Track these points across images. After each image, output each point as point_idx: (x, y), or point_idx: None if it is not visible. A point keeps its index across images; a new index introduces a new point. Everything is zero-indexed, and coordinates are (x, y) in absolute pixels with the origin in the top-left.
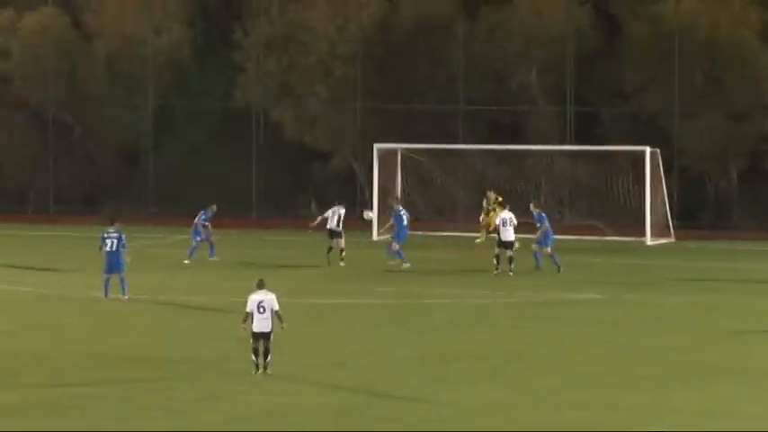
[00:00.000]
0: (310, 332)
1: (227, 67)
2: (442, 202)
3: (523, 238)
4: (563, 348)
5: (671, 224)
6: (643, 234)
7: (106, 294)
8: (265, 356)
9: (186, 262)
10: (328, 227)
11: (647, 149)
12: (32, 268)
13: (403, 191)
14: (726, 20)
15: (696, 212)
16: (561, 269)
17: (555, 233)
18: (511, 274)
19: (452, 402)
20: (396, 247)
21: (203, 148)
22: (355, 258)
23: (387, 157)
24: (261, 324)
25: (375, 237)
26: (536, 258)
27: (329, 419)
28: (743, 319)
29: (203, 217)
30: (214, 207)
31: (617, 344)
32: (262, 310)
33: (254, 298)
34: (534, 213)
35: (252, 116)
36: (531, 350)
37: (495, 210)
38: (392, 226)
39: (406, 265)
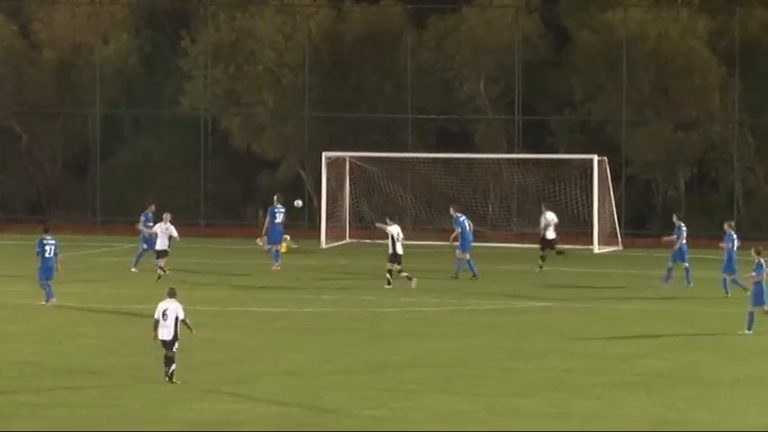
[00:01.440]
0: (260, 340)
1: (175, 74)
2: (390, 210)
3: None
4: (514, 356)
5: (619, 232)
6: (591, 242)
7: (49, 299)
8: (169, 365)
9: (133, 270)
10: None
11: (595, 158)
12: None
13: (351, 199)
14: (674, 29)
15: (644, 220)
16: (477, 276)
17: (504, 241)
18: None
19: (404, 411)
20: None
21: (151, 156)
22: (305, 266)
23: (335, 166)
24: (162, 332)
25: (324, 245)
26: (457, 265)
27: (276, 428)
28: (692, 327)
29: (143, 219)
30: (153, 207)
31: (568, 351)
32: (164, 317)
33: (161, 306)
34: (453, 217)
35: (200, 124)
36: (482, 358)
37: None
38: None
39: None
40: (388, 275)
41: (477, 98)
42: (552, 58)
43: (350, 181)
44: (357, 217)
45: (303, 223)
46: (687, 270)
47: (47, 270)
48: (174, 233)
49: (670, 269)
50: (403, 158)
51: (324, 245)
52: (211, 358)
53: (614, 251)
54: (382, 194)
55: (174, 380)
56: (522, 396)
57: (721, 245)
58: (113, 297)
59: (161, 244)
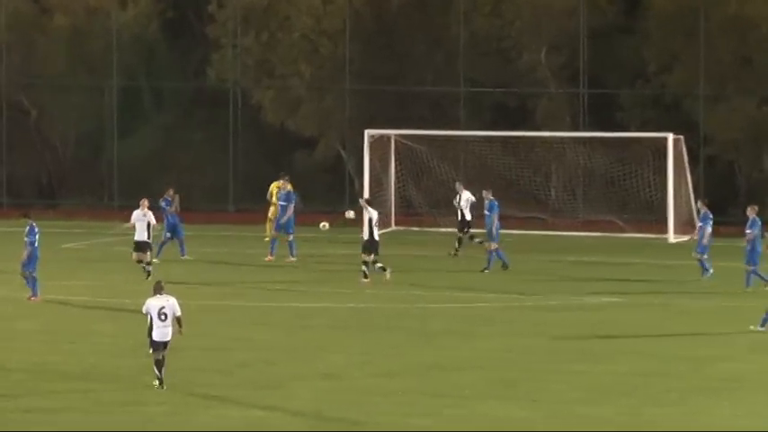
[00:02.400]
0: (295, 340)
1: (201, 42)
2: (440, 194)
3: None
4: (579, 358)
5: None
6: (665, 231)
7: (36, 294)
8: (160, 367)
9: (155, 260)
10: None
11: (670, 136)
12: None
13: (397, 183)
14: None
15: (725, 206)
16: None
17: (568, 229)
18: None
19: (455, 419)
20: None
21: (174, 134)
22: (346, 257)
23: (379, 145)
24: (163, 333)
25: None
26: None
27: None
28: None
29: (163, 204)
30: (171, 191)
31: (639, 353)
32: (164, 317)
33: (155, 303)
34: (486, 201)
35: (228, 98)
36: (543, 360)
37: None
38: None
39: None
40: (364, 268)
41: (538, 69)
42: (622, 24)
43: (395, 162)
44: (403, 202)
45: (343, 209)
46: (752, 272)
47: (36, 260)
48: (153, 220)
49: (751, 272)
50: (455, 137)
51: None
52: (241, 360)
53: (691, 240)
54: (431, 177)
55: (158, 384)
56: (588, 403)
57: (747, 231)
58: (132, 291)
59: (140, 235)
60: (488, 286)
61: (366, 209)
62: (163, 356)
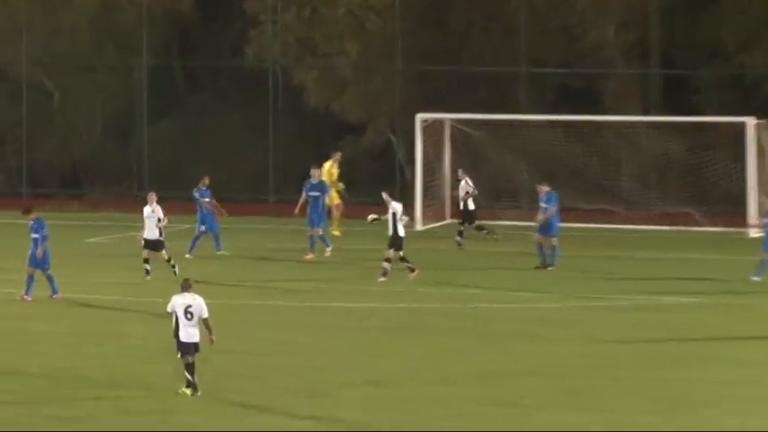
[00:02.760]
0: (342, 343)
1: (238, 19)
2: (499, 184)
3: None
4: (654, 364)
5: None
6: (746, 224)
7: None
8: (191, 372)
9: (188, 256)
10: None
11: (751, 120)
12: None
13: (452, 171)
14: None
15: None
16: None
17: (640, 222)
18: None
19: (517, 430)
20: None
21: (209, 118)
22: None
23: (432, 130)
24: (189, 333)
25: (419, 226)
26: (541, 252)
27: None
28: None
29: (197, 195)
30: (206, 179)
31: (722, 358)
32: (189, 316)
33: (180, 302)
34: (542, 195)
35: (268, 79)
36: (614, 366)
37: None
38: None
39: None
40: (385, 264)
41: (606, 47)
42: None
43: (450, 149)
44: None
45: (394, 199)
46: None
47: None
48: (161, 215)
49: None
50: (515, 121)
51: (419, 226)
52: (283, 365)
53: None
54: (490, 165)
55: (190, 391)
56: (664, 413)
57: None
58: (163, 289)
59: (150, 233)
60: (552, 285)
61: (389, 202)
62: (193, 360)
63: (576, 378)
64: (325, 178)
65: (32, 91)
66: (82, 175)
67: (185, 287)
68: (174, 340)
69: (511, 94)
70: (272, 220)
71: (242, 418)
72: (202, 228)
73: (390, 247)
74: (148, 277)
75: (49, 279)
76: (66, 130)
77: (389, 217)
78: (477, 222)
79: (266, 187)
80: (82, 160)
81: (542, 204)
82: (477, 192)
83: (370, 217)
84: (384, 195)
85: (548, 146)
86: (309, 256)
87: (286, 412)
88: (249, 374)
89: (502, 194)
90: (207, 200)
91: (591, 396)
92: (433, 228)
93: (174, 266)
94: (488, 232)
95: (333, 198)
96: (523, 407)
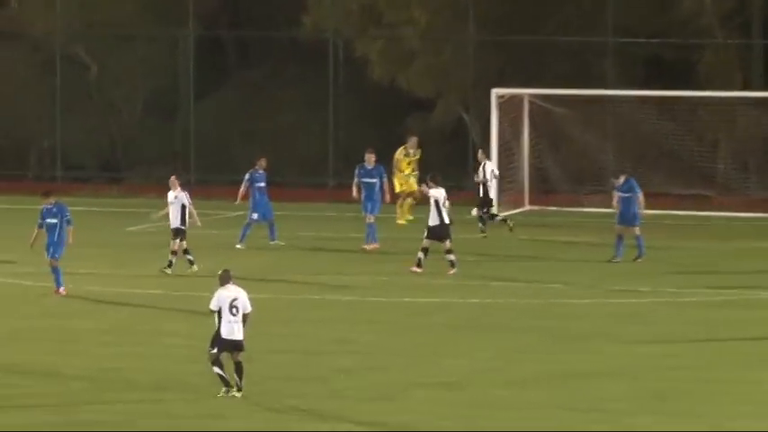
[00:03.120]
0: (408, 341)
1: None
2: (582, 167)
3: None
4: (755, 365)
5: None
6: None
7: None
8: (240, 373)
9: (239, 246)
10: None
11: None
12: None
13: (531, 153)
14: None
15: None
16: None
17: (738, 209)
18: None
19: None
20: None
21: (263, 94)
22: (469, 243)
23: (509, 107)
24: (233, 329)
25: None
26: (619, 244)
27: None
28: None
29: (247, 177)
30: (263, 162)
31: None
32: (235, 311)
33: (226, 295)
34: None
35: (327, 51)
36: (709, 367)
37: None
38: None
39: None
40: (421, 255)
41: (702, 16)
42: None
43: (529, 127)
44: (539, 176)
45: (468, 184)
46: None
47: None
48: (187, 202)
49: None
50: (601, 97)
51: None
52: (344, 365)
53: None
54: (573, 146)
55: (235, 393)
56: (762, 418)
57: None
58: (210, 283)
59: (174, 221)
60: (639, 279)
61: (430, 188)
62: (238, 360)
63: (664, 380)
64: (399, 167)
65: (67, 64)
66: (121, 156)
67: (227, 279)
68: (214, 336)
69: (596, 67)
70: (332, 207)
71: (296, 423)
72: (254, 216)
73: (434, 237)
74: (168, 270)
75: (56, 271)
76: (104, 107)
77: (432, 205)
78: (492, 210)
79: (325, 171)
80: (121, 140)
81: (622, 194)
82: (498, 175)
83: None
84: (426, 182)
85: (636, 125)
86: (370, 246)
87: (345, 417)
88: (306, 376)
89: (585, 178)
90: (261, 185)
91: (681, 400)
92: (510, 215)
93: (191, 260)
94: (503, 220)
95: (401, 185)
96: (605, 411)
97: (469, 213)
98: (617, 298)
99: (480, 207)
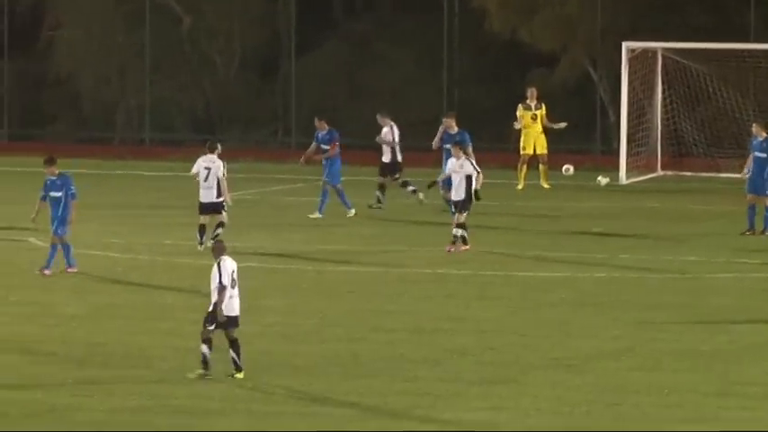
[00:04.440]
0: (528, 319)
1: None
2: (721, 129)
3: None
4: None
5: None
6: None
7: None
8: (237, 351)
9: (317, 215)
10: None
11: None
12: (123, 225)
13: (665, 113)
14: None
15: None
16: None
17: None
18: None
19: (736, 427)
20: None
21: (369, 49)
22: (595, 210)
23: (641, 62)
24: (233, 305)
25: (623, 179)
26: (751, 214)
27: None
28: None
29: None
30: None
31: None
32: (233, 284)
33: (227, 266)
34: (761, 138)
35: (442, 1)
36: None
37: None
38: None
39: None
40: (461, 232)
41: None
42: None
43: (663, 85)
44: (673, 139)
45: (594, 147)
46: None
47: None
48: (221, 172)
49: None
50: (743, 51)
51: (624, 179)
52: (458, 345)
53: None
54: (711, 105)
55: (237, 374)
56: None
57: None
58: (311, 253)
59: (206, 195)
60: None
61: (466, 158)
62: (234, 337)
63: None
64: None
65: (157, 15)
66: (217, 117)
67: (222, 250)
68: (210, 314)
69: (737, 17)
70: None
71: (412, 409)
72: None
73: (463, 210)
74: (201, 247)
75: (66, 248)
76: (197, 63)
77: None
78: (401, 177)
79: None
80: (217, 100)
81: (757, 153)
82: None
83: (566, 168)
84: (458, 161)
85: None
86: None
87: (461, 401)
88: (417, 357)
89: (724, 141)
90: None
91: None
92: (640, 181)
93: (217, 235)
94: (414, 191)
95: (527, 146)
96: (746, 396)
97: (594, 180)
98: (757, 272)
99: (383, 174)
